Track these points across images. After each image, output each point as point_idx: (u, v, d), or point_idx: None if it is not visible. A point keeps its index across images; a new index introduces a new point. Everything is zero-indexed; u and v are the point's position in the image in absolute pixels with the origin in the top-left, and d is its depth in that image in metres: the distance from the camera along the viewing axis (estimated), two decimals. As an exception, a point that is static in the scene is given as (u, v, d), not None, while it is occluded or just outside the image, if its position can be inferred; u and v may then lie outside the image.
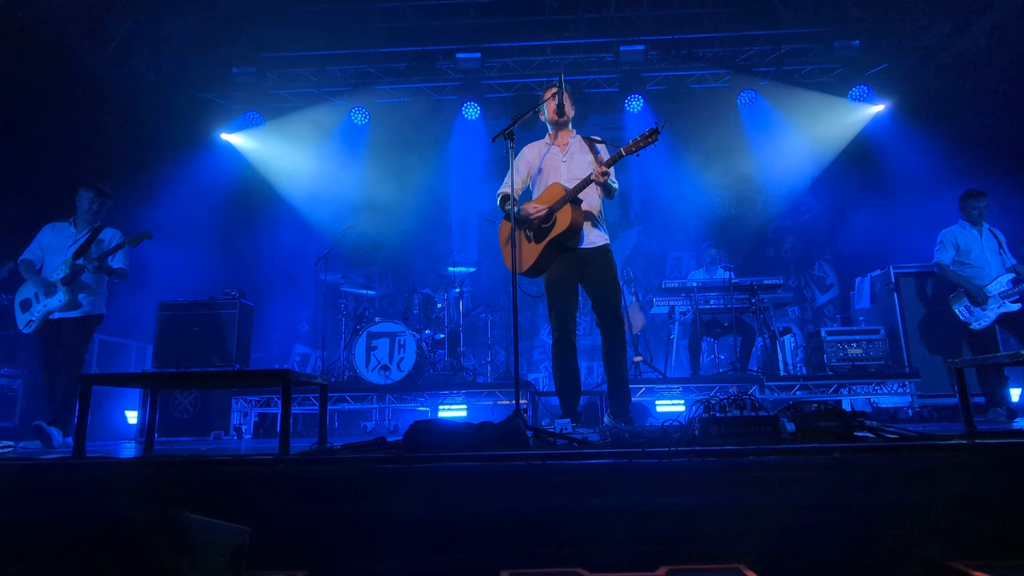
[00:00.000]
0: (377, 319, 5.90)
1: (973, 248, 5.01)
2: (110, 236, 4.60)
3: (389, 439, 2.66)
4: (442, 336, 6.30)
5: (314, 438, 3.00)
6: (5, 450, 3.53)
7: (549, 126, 3.83)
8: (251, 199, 8.34)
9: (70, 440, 4.13)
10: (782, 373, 5.91)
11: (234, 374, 4.51)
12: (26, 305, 4.42)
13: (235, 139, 8.11)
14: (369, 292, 6.99)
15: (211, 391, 5.47)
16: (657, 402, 5.58)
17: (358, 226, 7.00)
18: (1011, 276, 4.84)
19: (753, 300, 5.83)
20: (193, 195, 7.48)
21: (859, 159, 8.05)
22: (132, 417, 6.07)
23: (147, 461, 2.39)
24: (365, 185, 8.34)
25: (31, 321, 4.37)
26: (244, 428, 5.49)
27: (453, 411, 5.71)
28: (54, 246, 4.52)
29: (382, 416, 5.96)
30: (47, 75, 6.02)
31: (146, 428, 3.27)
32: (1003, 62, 6.85)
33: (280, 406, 2.82)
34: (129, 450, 3.81)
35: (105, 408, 6.06)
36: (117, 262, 4.54)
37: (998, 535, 1.78)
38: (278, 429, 2.64)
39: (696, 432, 2.31)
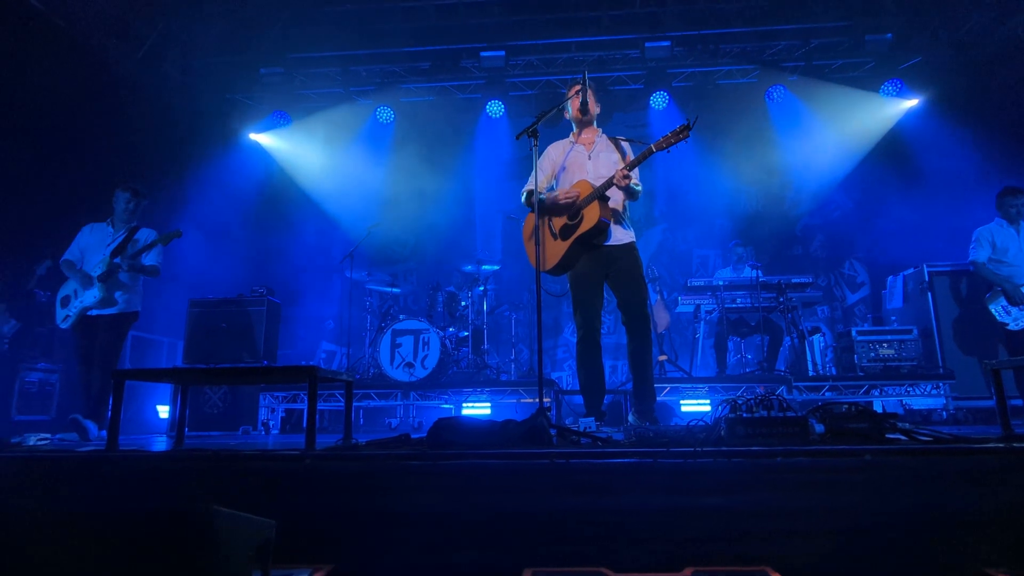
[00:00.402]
0: (402, 317, 5.94)
1: (1010, 246, 4.86)
2: (145, 236, 4.72)
3: (413, 436, 2.68)
4: (466, 334, 6.32)
5: (339, 434, 3.04)
6: (42, 442, 3.64)
7: (574, 124, 3.81)
8: (278, 198, 8.48)
9: (104, 433, 4.25)
10: (811, 373, 5.81)
11: (262, 370, 4.58)
12: (65, 302, 4.58)
13: (263, 139, 8.24)
14: (394, 290, 7.04)
15: (240, 387, 5.57)
16: (682, 402, 5.53)
17: (383, 224, 7.06)
18: (1051, 275, 4.68)
19: (781, 299, 5.73)
20: (222, 194, 7.61)
21: (892, 155, 7.84)
22: (164, 412, 6.21)
23: (178, 454, 2.45)
24: (390, 184, 8.41)
25: (68, 316, 4.52)
26: (271, 423, 5.58)
27: (477, 409, 5.72)
28: (92, 246, 4.66)
29: (406, 413, 6.01)
30: (81, 78, 6.17)
31: (177, 422, 3.34)
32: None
33: (306, 402, 2.85)
34: (160, 444, 3.90)
35: (138, 403, 6.20)
36: (150, 260, 4.67)
37: (1038, 542, 1.72)
38: (304, 425, 2.68)
39: (722, 432, 2.28)
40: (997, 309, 4.84)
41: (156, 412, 6.32)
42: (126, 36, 6.78)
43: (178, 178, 7.24)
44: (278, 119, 7.99)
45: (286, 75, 7.63)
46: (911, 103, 7.54)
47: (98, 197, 4.90)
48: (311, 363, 7.52)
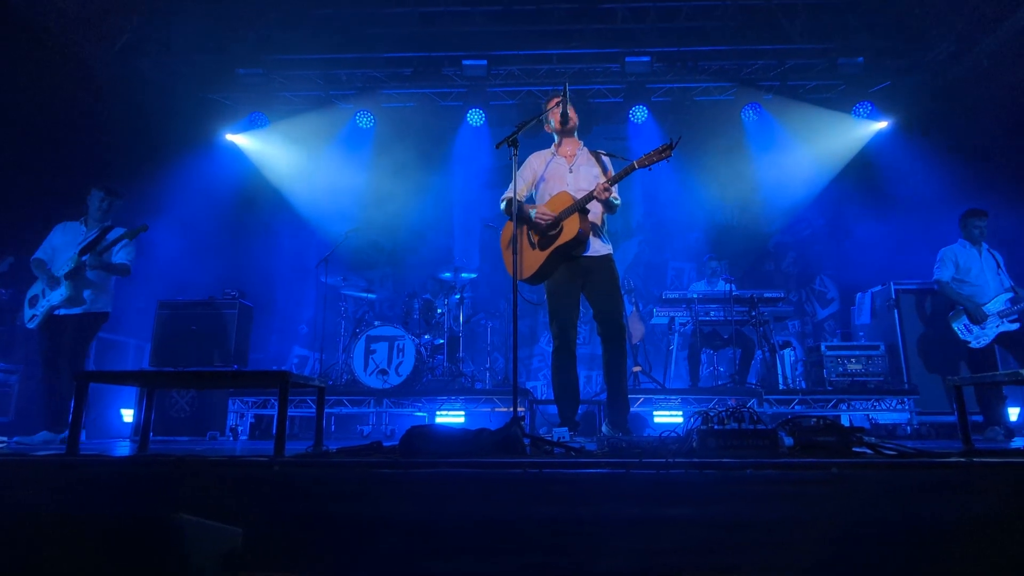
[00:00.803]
0: (377, 323, 5.89)
1: (973, 267, 5.01)
2: (116, 234, 4.62)
3: (385, 444, 2.65)
4: (441, 341, 6.29)
5: (310, 441, 2.99)
6: (-1, 445, 3.52)
7: (555, 136, 3.83)
8: (254, 200, 8.36)
9: (64, 436, 4.12)
10: (781, 387, 5.90)
11: (232, 374, 4.50)
12: (33, 301, 4.47)
13: (239, 140, 8.13)
14: (369, 296, 6.98)
15: (208, 391, 5.46)
16: (655, 413, 5.57)
17: (360, 229, 7.01)
18: (1009, 295, 4.84)
19: (753, 313, 5.82)
20: (196, 195, 7.48)
21: (861, 175, 8.06)
22: (128, 415, 6.05)
23: (142, 460, 2.38)
24: (368, 189, 8.36)
25: (35, 316, 4.41)
26: (240, 429, 5.48)
27: (451, 417, 5.69)
28: (64, 245, 4.56)
29: (379, 420, 5.94)
30: (54, 74, 6.04)
31: (141, 427, 3.25)
32: (1006, 82, 6.87)
33: (277, 408, 2.81)
34: (124, 448, 3.80)
35: (101, 406, 6.04)
36: (118, 257, 4.56)
37: (996, 555, 1.76)
38: (274, 431, 2.64)
39: (694, 444, 2.30)
40: (960, 327, 4.98)
41: (120, 416, 6.15)
42: (101, 32, 6.65)
43: (151, 177, 7.09)
44: (256, 120, 7.89)
45: (265, 76, 7.55)
46: (880, 125, 7.77)
47: (66, 194, 4.79)
48: (283, 368, 7.41)
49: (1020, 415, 5.73)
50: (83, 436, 3.56)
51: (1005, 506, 1.84)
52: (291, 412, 5.61)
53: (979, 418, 4.84)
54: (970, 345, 4.93)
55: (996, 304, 4.84)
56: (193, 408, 5.50)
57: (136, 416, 5.57)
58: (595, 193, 3.38)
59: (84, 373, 2.87)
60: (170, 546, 1.49)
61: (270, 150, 8.27)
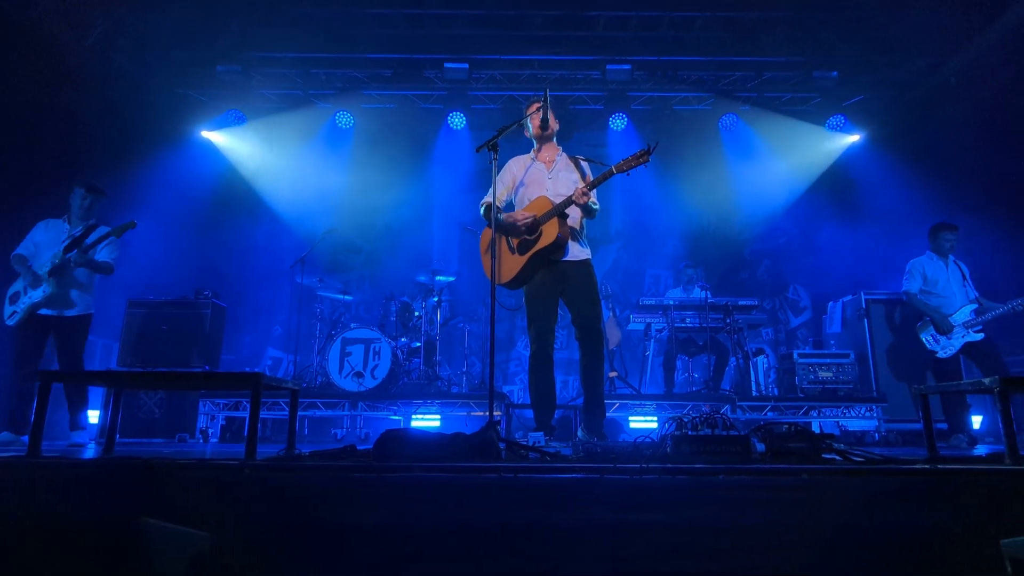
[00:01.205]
0: (353, 325, 5.84)
1: (940, 279, 5.14)
2: (100, 232, 4.58)
3: (360, 447, 2.62)
4: (418, 345, 6.25)
5: (282, 444, 2.95)
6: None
7: (535, 141, 3.84)
8: (229, 198, 8.23)
9: (25, 439, 4.05)
10: (754, 393, 5.98)
11: (203, 376, 4.42)
12: (14, 298, 4.40)
13: (216, 137, 8.00)
14: (346, 297, 6.91)
15: (178, 392, 5.35)
16: (631, 418, 5.60)
17: (338, 231, 6.94)
18: (974, 307, 4.97)
19: (728, 320, 5.90)
20: (169, 191, 7.34)
21: (835, 186, 8.25)
22: (93, 417, 5.88)
23: (107, 462, 2.32)
24: (347, 190, 8.29)
25: (15, 313, 4.34)
26: (211, 432, 5.38)
27: (427, 421, 5.66)
28: (47, 242, 4.50)
29: (353, 424, 5.88)
30: (24, 63, 5.88)
31: (107, 428, 3.17)
32: (974, 100, 7.10)
33: (249, 410, 2.76)
34: (88, 451, 3.70)
35: (66, 407, 5.87)
36: (102, 255, 4.53)
37: (958, 560, 1.81)
38: (246, 434, 2.59)
39: (668, 449, 2.32)
40: (927, 338, 5.10)
41: (86, 417, 5.98)
42: (74, 22, 6.49)
43: (124, 172, 6.93)
44: (233, 118, 7.78)
45: (243, 73, 7.45)
46: (854, 138, 7.96)
47: (38, 188, 4.68)
48: (256, 370, 7.29)
49: (983, 423, 5.89)
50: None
51: (967, 512, 1.88)
52: (263, 415, 5.52)
53: (944, 426, 4.97)
54: (937, 355, 5.05)
55: (961, 315, 4.97)
56: (162, 410, 5.39)
57: (102, 417, 5.43)
58: (574, 198, 3.39)
59: (46, 372, 2.78)
60: (134, 551, 1.46)
61: (247, 148, 8.16)
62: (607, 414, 4.58)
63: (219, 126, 7.88)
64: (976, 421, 5.66)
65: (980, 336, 4.90)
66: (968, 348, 4.95)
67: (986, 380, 2.54)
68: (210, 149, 8.04)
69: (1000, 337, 5.15)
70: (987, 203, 6.66)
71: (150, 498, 2.00)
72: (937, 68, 7.22)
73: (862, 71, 7.53)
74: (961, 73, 7.05)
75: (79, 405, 4.52)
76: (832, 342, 6.75)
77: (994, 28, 6.34)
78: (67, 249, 4.38)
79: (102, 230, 4.54)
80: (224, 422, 5.53)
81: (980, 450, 4.20)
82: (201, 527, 1.79)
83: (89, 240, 4.44)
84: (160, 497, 2.01)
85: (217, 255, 8.00)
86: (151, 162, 7.30)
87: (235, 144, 8.11)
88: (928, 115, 7.57)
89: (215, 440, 5.34)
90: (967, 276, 5.14)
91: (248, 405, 5.23)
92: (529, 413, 3.99)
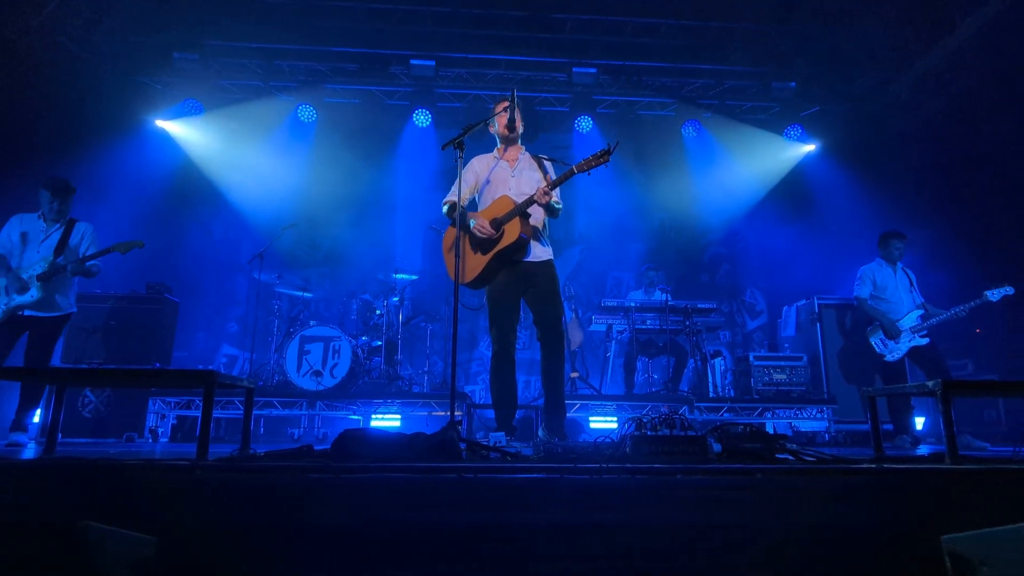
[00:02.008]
0: (312, 323, 5.72)
1: (888, 285, 5.35)
2: (83, 231, 4.50)
3: (317, 447, 2.57)
4: (379, 343, 6.17)
5: (237, 444, 2.86)
6: None
7: (498, 139, 3.84)
8: (184, 190, 7.96)
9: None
10: (711, 395, 6.10)
11: (152, 373, 4.27)
12: None
13: (171, 126, 7.74)
14: (305, 294, 6.76)
15: (127, 391, 5.16)
16: (591, 418, 5.65)
17: (298, 226, 6.80)
18: (920, 312, 5.19)
19: (687, 323, 6.01)
20: (121, 181, 7.07)
21: (791, 194, 8.50)
22: (35, 415, 5.62)
23: (47, 463, 2.22)
24: (308, 184, 8.13)
25: None
26: (161, 431, 5.20)
27: (387, 420, 5.59)
28: (27, 240, 4.36)
29: (311, 424, 5.77)
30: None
31: (48, 428, 3.03)
32: (923, 115, 7.42)
33: (201, 409, 2.68)
34: (28, 451, 3.53)
35: (6, 405, 5.60)
36: (92, 261, 4.44)
37: (902, 556, 1.87)
38: (197, 433, 2.51)
39: (627, 449, 2.34)
40: (876, 341, 5.30)
41: (31, 417, 5.71)
42: (21, 2, 6.18)
43: (73, 160, 6.64)
44: (190, 107, 7.54)
45: (202, 62, 7.23)
46: (809, 148, 8.22)
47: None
48: (210, 367, 7.09)
49: (925, 424, 6.15)
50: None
51: (911, 509, 1.96)
52: (217, 414, 5.37)
53: (890, 427, 5.16)
54: (885, 358, 5.24)
55: (909, 320, 5.18)
56: (110, 408, 5.18)
57: (43, 416, 5.19)
58: (536, 197, 3.39)
59: (-16, 369, 2.64)
60: (75, 555, 1.39)
61: (204, 139, 7.91)
62: (568, 414, 4.62)
63: (175, 116, 7.63)
64: (919, 422, 5.90)
65: (925, 341, 5.12)
66: (914, 352, 5.15)
67: (929, 383, 2.65)
68: (165, 139, 7.77)
69: (943, 341, 5.38)
70: (932, 214, 6.98)
71: (94, 501, 1.92)
72: (888, 84, 7.51)
73: (818, 84, 7.79)
74: (910, 89, 7.36)
75: (29, 405, 4.36)
76: (786, 345, 6.95)
77: (935, 51, 6.63)
78: (56, 253, 4.31)
79: (86, 231, 4.50)
80: (175, 421, 5.35)
81: (923, 450, 4.38)
82: (149, 531, 1.72)
83: (87, 249, 4.43)
84: (105, 500, 1.93)
85: (171, 249, 7.74)
86: (102, 150, 7.01)
87: (192, 135, 7.85)
88: (879, 128, 7.88)
89: (165, 440, 5.17)
90: (914, 283, 5.36)
91: (201, 404, 5.07)
92: (491, 413, 3.98)
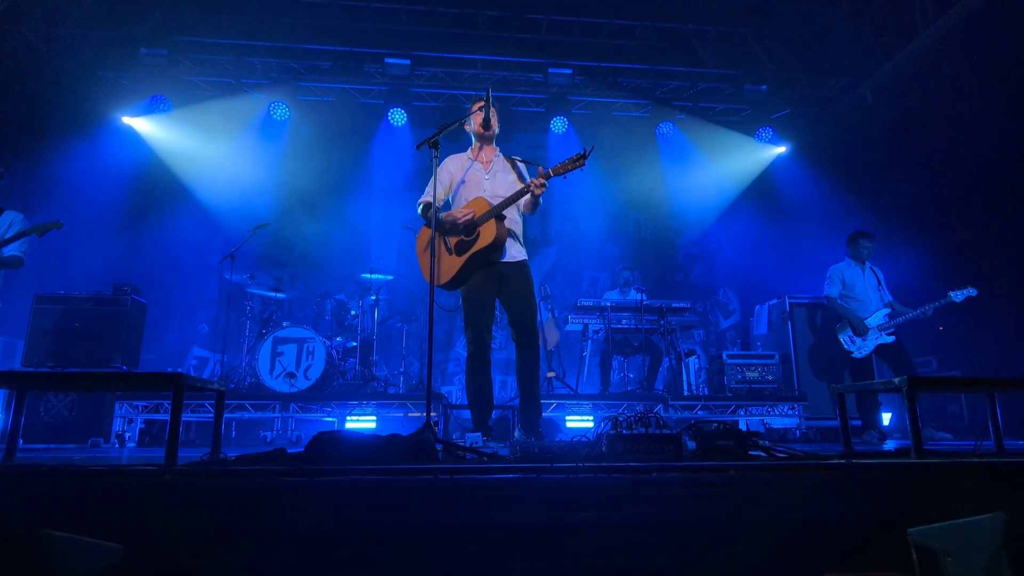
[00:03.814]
0: (285, 324, 5.63)
1: (857, 283, 5.47)
2: (10, 220, 4.24)
3: (290, 450, 2.53)
4: (354, 344, 6.10)
5: (208, 448, 2.80)
6: None
7: (473, 138, 3.83)
8: (153, 189, 7.77)
9: None
10: (686, 393, 6.17)
11: (118, 376, 4.16)
12: None
13: (138, 124, 7.55)
14: (278, 295, 6.65)
15: (92, 395, 5.01)
16: (567, 418, 5.66)
17: (270, 225, 6.68)
18: (887, 311, 5.32)
19: (662, 322, 6.06)
20: (85, 179, 6.88)
21: (762, 194, 8.65)
22: (-4, 421, 5.44)
23: (6, 470, 2.14)
24: (281, 183, 8.01)
25: None
26: (128, 436, 5.06)
27: (362, 422, 5.52)
28: None
29: (285, 426, 5.68)
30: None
31: (8, 433, 2.92)
32: (887, 117, 7.61)
33: (170, 413, 2.61)
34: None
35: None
36: (13, 249, 4.14)
37: (871, 549, 1.92)
38: (167, 438, 2.45)
39: (603, 448, 2.35)
40: (845, 339, 5.41)
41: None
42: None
43: (35, 157, 6.45)
44: (158, 104, 7.36)
45: (170, 58, 7.06)
46: (780, 149, 8.37)
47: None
48: (179, 370, 6.93)
49: (891, 420, 6.31)
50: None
51: (878, 503, 2.00)
52: (187, 417, 5.25)
53: (858, 423, 5.28)
54: (852, 355, 5.36)
55: (876, 318, 5.30)
56: (73, 413, 5.03)
57: (3, 421, 5.02)
58: (532, 188, 3.40)
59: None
60: (37, 565, 1.35)
61: (172, 137, 7.73)
62: (544, 414, 4.61)
63: (142, 112, 7.44)
64: (886, 418, 6.04)
65: (892, 339, 5.24)
66: (880, 349, 5.28)
67: (896, 380, 2.71)
68: (132, 136, 7.58)
69: (909, 339, 5.52)
70: (899, 214, 7.16)
71: (56, 509, 1.86)
72: (855, 88, 7.69)
73: (789, 87, 7.94)
74: (876, 93, 7.55)
75: None
76: (759, 343, 7.06)
77: (898, 57, 6.81)
78: None
79: (15, 219, 4.19)
80: (143, 425, 5.21)
81: (890, 445, 4.48)
82: (116, 539, 1.67)
83: (5, 234, 4.11)
84: (68, 508, 1.87)
85: (138, 249, 7.55)
86: (65, 147, 6.82)
87: (160, 132, 7.67)
88: (848, 131, 8.06)
89: (132, 445, 5.03)
90: (882, 281, 5.49)
91: (170, 407, 4.96)
92: (467, 414, 3.96)
